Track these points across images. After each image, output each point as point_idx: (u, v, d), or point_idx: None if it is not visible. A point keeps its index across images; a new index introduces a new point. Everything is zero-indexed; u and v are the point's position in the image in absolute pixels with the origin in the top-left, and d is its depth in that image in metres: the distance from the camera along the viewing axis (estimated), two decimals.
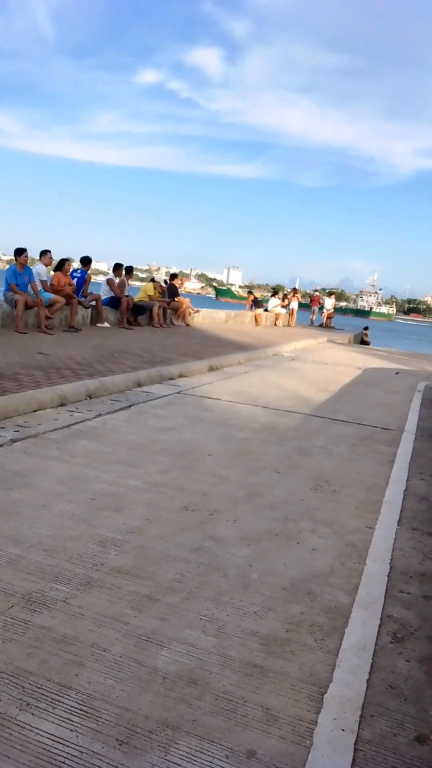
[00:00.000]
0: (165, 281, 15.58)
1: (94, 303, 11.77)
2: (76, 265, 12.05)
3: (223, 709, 1.76)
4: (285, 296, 23.89)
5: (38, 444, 4.09)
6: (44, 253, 10.88)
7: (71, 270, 11.42)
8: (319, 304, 27.43)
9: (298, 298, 23.99)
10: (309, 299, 29.33)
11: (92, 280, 12.18)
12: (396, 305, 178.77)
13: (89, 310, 11.75)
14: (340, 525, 3.32)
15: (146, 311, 13.52)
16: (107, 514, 3.07)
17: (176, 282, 15.91)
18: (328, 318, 26.16)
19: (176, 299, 15.12)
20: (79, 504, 3.15)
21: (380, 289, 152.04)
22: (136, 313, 13.13)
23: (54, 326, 10.15)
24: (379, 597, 2.54)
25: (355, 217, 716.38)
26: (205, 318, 16.89)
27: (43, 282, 10.42)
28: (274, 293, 24.90)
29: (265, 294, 30.49)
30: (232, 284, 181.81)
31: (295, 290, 25.29)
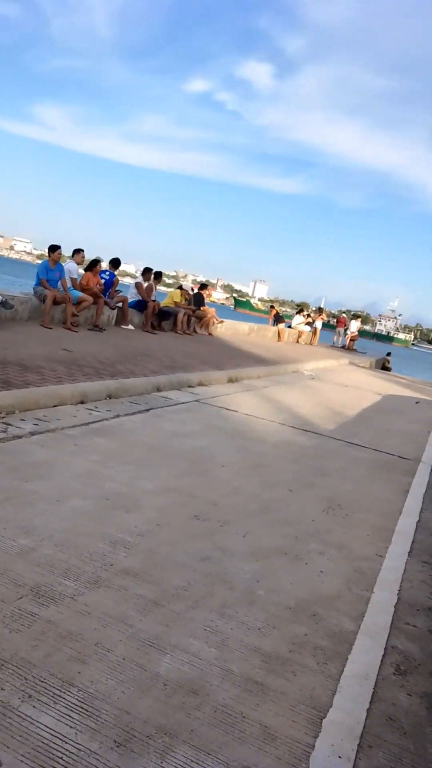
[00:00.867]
0: (192, 289, 15.66)
1: (120, 304, 11.87)
2: (104, 266, 12.18)
3: (221, 722, 1.75)
4: (309, 315, 23.89)
5: (56, 439, 4.13)
6: (77, 251, 11.03)
7: (100, 271, 11.55)
8: (345, 326, 27.34)
9: (323, 318, 23.96)
10: (335, 321, 29.23)
11: (119, 282, 12.30)
12: (420, 333, 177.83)
13: (115, 311, 11.85)
14: (349, 550, 3.30)
15: (171, 317, 13.60)
16: (119, 514, 3.09)
17: (204, 292, 16.00)
18: (351, 340, 26.02)
19: (202, 308, 15.19)
20: (93, 501, 3.17)
21: (399, 315, 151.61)
22: (160, 318, 13.21)
23: (79, 324, 10.25)
24: (384, 627, 2.52)
25: (390, 242, 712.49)
26: (228, 329, 16.93)
27: (73, 279, 10.55)
28: (299, 311, 24.90)
29: (287, 310, 30.49)
30: (251, 297, 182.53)
31: (320, 309, 25.27)
